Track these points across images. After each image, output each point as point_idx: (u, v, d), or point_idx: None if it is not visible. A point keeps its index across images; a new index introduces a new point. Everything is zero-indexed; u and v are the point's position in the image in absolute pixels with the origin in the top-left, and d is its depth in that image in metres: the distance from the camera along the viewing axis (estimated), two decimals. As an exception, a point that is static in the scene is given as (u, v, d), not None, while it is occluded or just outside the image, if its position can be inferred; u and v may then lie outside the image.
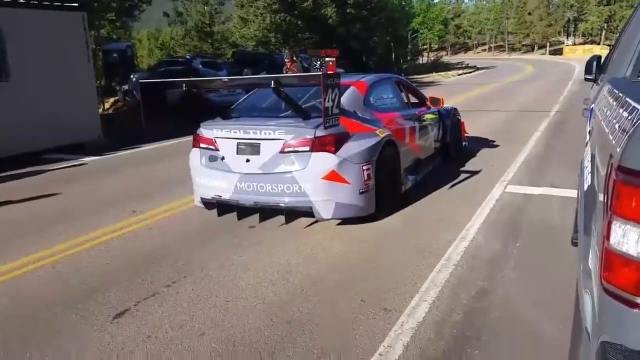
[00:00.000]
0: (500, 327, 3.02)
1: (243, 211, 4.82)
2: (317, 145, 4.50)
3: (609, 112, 2.21)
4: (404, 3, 51.04)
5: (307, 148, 4.51)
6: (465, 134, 8.21)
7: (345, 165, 4.54)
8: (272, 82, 4.51)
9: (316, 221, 4.89)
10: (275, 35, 34.76)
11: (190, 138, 5.43)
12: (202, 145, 5.08)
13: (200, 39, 38.50)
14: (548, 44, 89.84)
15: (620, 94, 2.05)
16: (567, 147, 7.99)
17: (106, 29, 28.39)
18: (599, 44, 77.22)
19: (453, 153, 7.45)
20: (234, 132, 4.83)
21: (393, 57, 45.88)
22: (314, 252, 4.25)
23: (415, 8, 54.49)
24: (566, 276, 3.18)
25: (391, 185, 5.22)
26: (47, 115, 9.33)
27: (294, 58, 10.29)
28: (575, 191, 3.84)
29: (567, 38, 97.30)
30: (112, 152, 9.56)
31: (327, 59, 11.16)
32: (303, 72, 10.64)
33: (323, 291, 3.53)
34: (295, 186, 4.49)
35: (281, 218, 4.71)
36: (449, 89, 22.17)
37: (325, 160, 4.50)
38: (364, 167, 4.66)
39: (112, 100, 19.28)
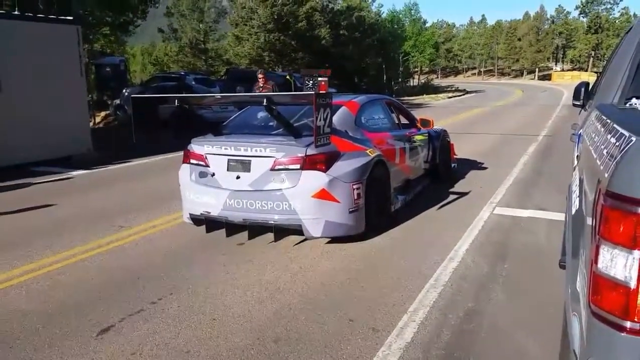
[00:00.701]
0: (487, 348, 3.01)
1: (232, 228, 4.79)
2: (308, 163, 4.51)
3: (597, 137, 2.25)
4: (396, 26, 51.78)
5: (298, 166, 4.52)
6: (455, 156, 8.27)
7: (336, 184, 4.55)
8: (265, 100, 4.53)
9: (305, 239, 4.88)
10: (269, 54, 35.06)
11: (180, 154, 5.42)
12: (192, 161, 5.07)
13: (194, 55, 38.71)
14: (537, 70, 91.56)
15: (608, 120, 2.08)
16: (554, 171, 8.08)
17: (100, 43, 28.43)
18: (586, 70, 78.93)
19: (442, 174, 7.49)
20: (225, 148, 4.83)
21: (385, 78, 46.39)
22: (303, 271, 4.23)
23: (407, 31, 55.26)
24: (553, 299, 3.19)
25: (381, 205, 5.24)
26: (37, 128, 9.28)
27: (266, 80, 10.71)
28: (563, 214, 3.87)
29: (556, 64, 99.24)
30: (101, 166, 9.49)
31: (319, 78, 11.22)
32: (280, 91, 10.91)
33: (311, 310, 3.51)
34: (285, 204, 4.49)
35: (270, 236, 4.69)
36: (438, 111, 22.41)
37: (316, 179, 4.51)
38: (354, 186, 4.68)
39: (103, 114, 19.22)
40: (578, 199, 2.36)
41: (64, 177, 8.64)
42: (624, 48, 3.45)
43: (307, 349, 3.01)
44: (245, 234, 4.77)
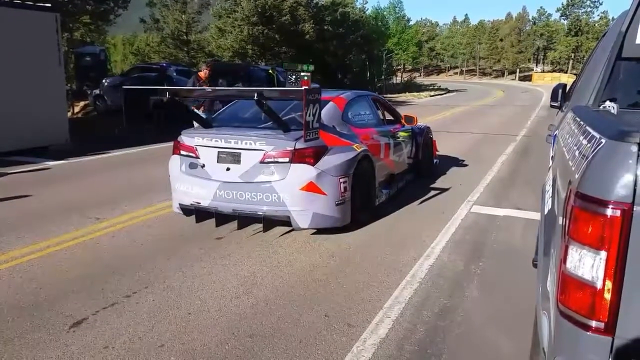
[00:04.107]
0: (461, 345, 3.05)
1: (221, 218, 4.85)
2: (297, 157, 4.63)
3: (570, 139, 2.29)
4: (380, 23, 51.89)
5: (287, 159, 4.63)
6: (437, 152, 8.44)
7: (323, 178, 4.68)
8: (256, 94, 4.56)
9: (292, 230, 4.92)
10: (253, 47, 34.83)
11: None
12: (182, 152, 5.13)
13: (176, 46, 38.20)
14: (518, 70, 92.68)
15: (582, 122, 2.12)
16: (532, 171, 8.21)
17: (80, 32, 27.88)
18: (566, 72, 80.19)
19: (424, 170, 7.66)
20: (216, 140, 4.89)
21: (368, 75, 46.48)
22: (280, 266, 4.22)
23: (391, 29, 55.43)
24: (526, 297, 3.25)
25: (366, 198, 5.40)
26: (12, 116, 9.09)
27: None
28: (539, 214, 3.93)
29: (537, 65, 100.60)
30: (78, 157, 9.33)
31: (302, 74, 11.18)
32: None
33: (287, 305, 3.51)
34: (274, 195, 4.59)
35: (249, 230, 4.68)
36: (420, 110, 22.54)
37: (304, 172, 4.63)
38: (341, 180, 4.81)
39: (82, 104, 18.90)
40: (551, 199, 2.40)
41: (40, 167, 8.48)
42: (599, 52, 3.51)
43: (282, 344, 3.01)
44: (222, 228, 4.80)
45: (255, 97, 4.56)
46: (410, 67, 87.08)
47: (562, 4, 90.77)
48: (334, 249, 4.65)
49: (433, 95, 36.26)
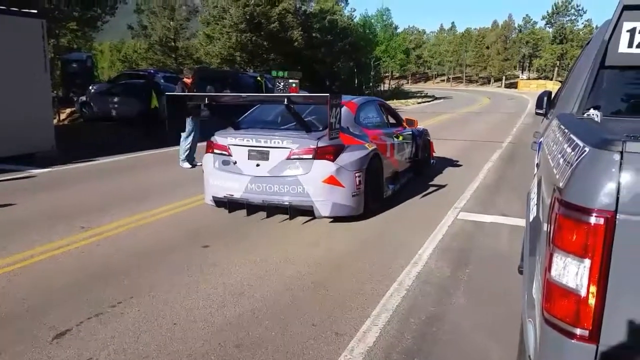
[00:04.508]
0: (448, 352, 3.05)
1: (252, 208, 5.51)
2: (319, 154, 5.27)
3: (555, 146, 2.30)
4: (368, 31, 52.12)
5: (311, 156, 5.28)
6: (434, 153, 9.14)
7: (342, 172, 5.32)
8: (286, 100, 5.31)
9: (313, 218, 5.52)
10: (241, 54, 34.83)
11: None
12: (215, 151, 5.77)
13: (164, 53, 38.10)
14: (504, 78, 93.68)
15: (566, 130, 2.13)
16: (517, 177, 8.27)
17: (66, 38, 27.69)
18: (551, 79, 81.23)
19: (423, 169, 8.33)
20: (247, 140, 5.55)
21: (356, 82, 46.66)
22: (268, 275, 4.20)
23: (378, 36, 55.65)
24: (512, 303, 3.26)
25: (376, 191, 6.04)
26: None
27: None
28: (524, 220, 3.96)
29: (522, 72, 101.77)
30: (64, 164, 9.23)
31: (290, 81, 11.20)
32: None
33: (275, 314, 3.49)
34: (299, 187, 5.24)
35: (235, 238, 4.66)
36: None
37: (326, 167, 5.27)
38: (356, 174, 5.45)
39: (68, 111, 18.72)
40: (536, 206, 2.41)
41: (25, 175, 8.37)
42: (583, 60, 3.56)
43: (268, 354, 2.98)
44: (209, 236, 4.78)
45: (285, 102, 5.31)
46: (398, 74, 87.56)
47: (548, 12, 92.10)
48: (322, 256, 4.64)
49: (420, 103, 36.46)
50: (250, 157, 5.50)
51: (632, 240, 1.40)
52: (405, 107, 33.13)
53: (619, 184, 1.39)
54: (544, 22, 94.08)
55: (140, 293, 3.80)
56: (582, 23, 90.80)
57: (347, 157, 5.42)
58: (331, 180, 5.26)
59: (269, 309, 3.56)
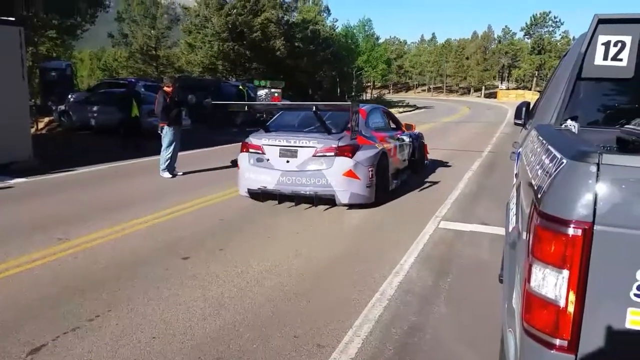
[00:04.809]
0: (429, 363, 3.04)
1: (282, 198, 6.63)
2: (340, 152, 6.36)
3: (533, 157, 2.33)
4: (350, 41, 52.52)
5: (333, 153, 6.36)
6: (428, 155, 10.36)
7: (358, 167, 6.40)
8: (314, 107, 6.80)
9: (334, 205, 6.59)
10: (223, 63, 34.79)
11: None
12: (250, 150, 6.81)
13: (144, 62, 37.89)
14: (484, 88, 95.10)
15: (544, 141, 2.16)
16: (497, 186, 8.36)
17: (45, 46, 27.32)
18: (530, 89, 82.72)
19: (418, 168, 9.44)
20: (278, 140, 6.64)
21: (338, 91, 46.89)
22: (250, 286, 4.16)
23: (360, 47, 56.15)
24: (493, 313, 3.27)
25: (384, 184, 7.15)
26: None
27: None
28: (504, 229, 3.99)
29: (502, 83, 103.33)
30: (42, 175, 9.05)
31: (273, 90, 11.25)
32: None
33: (256, 327, 3.45)
34: (323, 180, 6.32)
35: (213, 246, 4.61)
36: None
37: (345, 162, 6.34)
38: (370, 169, 6.53)
39: (47, 120, 18.42)
40: (515, 217, 2.43)
41: (2, 185, 8.18)
42: (561, 71, 3.62)
43: (250, 366, 2.94)
44: (190, 247, 4.74)
45: (313, 109, 6.77)
46: (380, 84, 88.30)
47: (526, 24, 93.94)
48: (304, 267, 4.61)
49: (402, 112, 36.74)
50: (281, 155, 6.54)
51: (609, 251, 1.42)
52: (387, 117, 33.33)
53: (595, 195, 1.40)
54: (522, 33, 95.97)
55: (119, 306, 3.72)
56: (560, 34, 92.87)
57: (362, 155, 6.50)
58: (350, 174, 6.34)
59: (249, 321, 3.52)
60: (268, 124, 7.56)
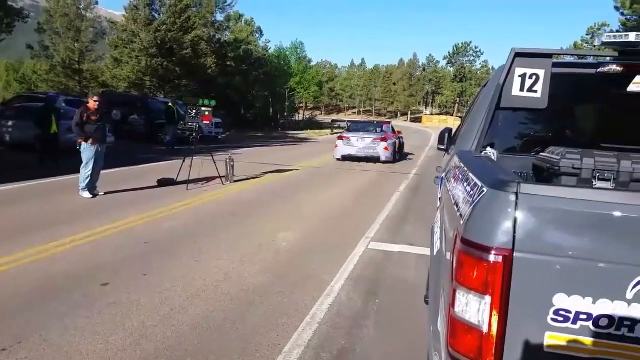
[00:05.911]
0: (359, 388, 3.03)
1: (358, 159, 16.52)
2: (382, 140, 16.63)
3: (455, 183, 2.41)
4: (282, 62, 52.95)
5: (379, 140, 16.57)
6: (404, 150, 20.61)
7: (389, 146, 16.65)
8: (375, 121, 23.07)
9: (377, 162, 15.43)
10: (151, 79, 33.83)
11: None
12: (343, 138, 16.84)
13: (67, 75, 36.08)
14: (409, 112, 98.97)
15: (466, 168, 2.24)
16: (422, 207, 8.64)
17: (-47, 55, 25.38)
18: (452, 115, 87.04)
19: (400, 156, 18.85)
20: (355, 135, 16.97)
21: (271, 111, 46.95)
22: (174, 313, 3.98)
23: (293, 68, 56.74)
24: (420, 333, 3.33)
25: (397, 155, 17.99)
26: None
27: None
28: (429, 249, 4.10)
29: (426, 108, 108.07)
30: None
31: (203, 108, 11.04)
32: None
33: (180, 357, 3.29)
34: (375, 151, 16.45)
35: (137, 271, 4.38)
36: (322, 147, 23.10)
37: (383, 144, 16.53)
38: (392, 147, 17.02)
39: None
40: (439, 240, 2.50)
41: None
42: (481, 100, 3.81)
43: (173, 399, 2.79)
44: (109, 274, 4.42)
45: (375, 122, 21.67)
46: (312, 105, 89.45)
47: (449, 53, 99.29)
48: (234, 291, 4.49)
49: (334, 133, 37.29)
50: (357, 141, 16.53)
51: (528, 277, 1.47)
52: (319, 138, 33.74)
53: (515, 223, 1.46)
54: (445, 61, 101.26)
55: (30, 337, 3.43)
56: (480, 63, 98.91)
57: (389, 141, 16.74)
58: (385, 149, 16.43)
59: (172, 352, 3.36)
60: (348, 127, 19.28)
